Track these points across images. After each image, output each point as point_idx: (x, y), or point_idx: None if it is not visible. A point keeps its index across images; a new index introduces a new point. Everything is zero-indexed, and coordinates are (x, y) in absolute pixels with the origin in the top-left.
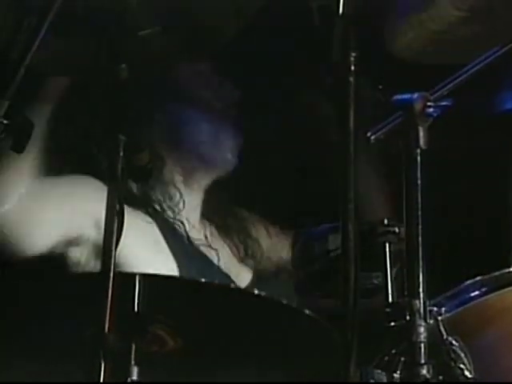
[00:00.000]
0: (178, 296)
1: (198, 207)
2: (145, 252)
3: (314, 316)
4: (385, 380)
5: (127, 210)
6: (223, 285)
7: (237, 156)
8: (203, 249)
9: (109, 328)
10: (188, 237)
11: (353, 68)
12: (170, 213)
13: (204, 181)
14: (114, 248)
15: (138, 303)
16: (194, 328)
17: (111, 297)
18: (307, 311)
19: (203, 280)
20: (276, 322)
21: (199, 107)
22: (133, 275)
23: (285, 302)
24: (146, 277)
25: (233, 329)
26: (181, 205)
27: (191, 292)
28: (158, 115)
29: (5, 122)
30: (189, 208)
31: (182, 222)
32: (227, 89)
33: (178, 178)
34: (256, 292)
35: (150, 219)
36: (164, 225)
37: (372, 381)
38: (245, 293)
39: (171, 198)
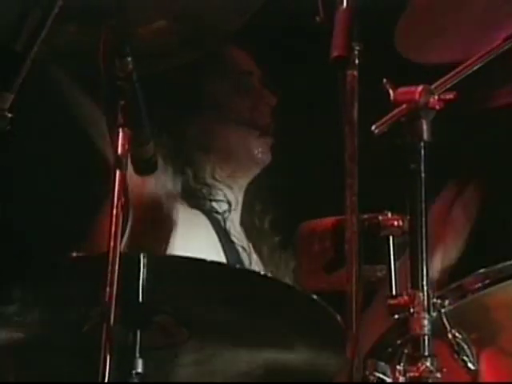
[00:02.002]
0: (183, 276)
1: (238, 207)
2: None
3: (321, 303)
4: (388, 372)
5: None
6: (229, 264)
7: (270, 155)
8: (239, 249)
9: (114, 320)
10: (230, 235)
11: (357, 62)
12: (216, 214)
13: (242, 181)
14: (119, 242)
15: (142, 292)
16: (197, 317)
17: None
18: (315, 297)
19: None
20: (283, 304)
21: (235, 115)
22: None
23: (292, 285)
24: (150, 257)
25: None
26: (225, 206)
27: (196, 271)
28: (196, 119)
29: (9, 115)
30: (231, 208)
31: (225, 221)
32: (266, 98)
33: (219, 179)
34: (262, 273)
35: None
36: (215, 224)
37: (376, 373)
38: (251, 272)
39: (216, 199)
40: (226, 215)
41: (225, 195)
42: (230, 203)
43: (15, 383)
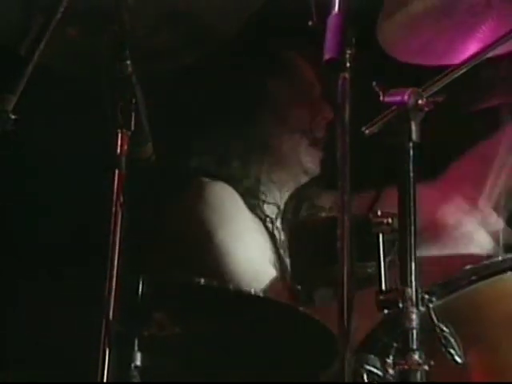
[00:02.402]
0: (180, 296)
1: (280, 214)
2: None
3: (306, 312)
4: (378, 365)
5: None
6: (221, 286)
7: (319, 167)
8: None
9: (113, 316)
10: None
11: (348, 65)
12: (268, 221)
13: (289, 187)
14: (118, 243)
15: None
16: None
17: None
18: (299, 308)
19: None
20: (271, 317)
21: (292, 122)
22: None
23: (276, 300)
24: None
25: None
26: (276, 209)
27: (191, 292)
28: (258, 119)
29: (13, 116)
30: (279, 212)
31: (276, 228)
32: (324, 112)
33: (274, 180)
34: (252, 292)
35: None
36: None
37: (366, 366)
38: (241, 292)
39: (268, 202)
40: (275, 221)
41: (274, 198)
42: (279, 207)
43: (15, 383)
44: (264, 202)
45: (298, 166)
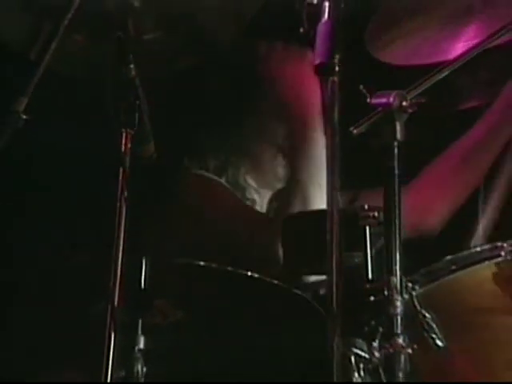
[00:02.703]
0: (179, 276)
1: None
2: None
3: (300, 294)
4: (365, 348)
5: None
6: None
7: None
8: None
9: (118, 303)
10: None
11: (337, 69)
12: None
13: (266, 192)
14: (123, 232)
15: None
16: (192, 303)
17: (120, 275)
18: (295, 290)
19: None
20: (265, 297)
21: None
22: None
23: (273, 280)
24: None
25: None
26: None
27: (189, 272)
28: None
29: (24, 116)
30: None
31: None
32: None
33: (250, 183)
34: (249, 273)
35: None
36: None
37: (354, 349)
38: (237, 273)
39: (248, 198)
40: None
41: (254, 200)
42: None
43: (15, 383)
44: (245, 199)
45: (272, 175)
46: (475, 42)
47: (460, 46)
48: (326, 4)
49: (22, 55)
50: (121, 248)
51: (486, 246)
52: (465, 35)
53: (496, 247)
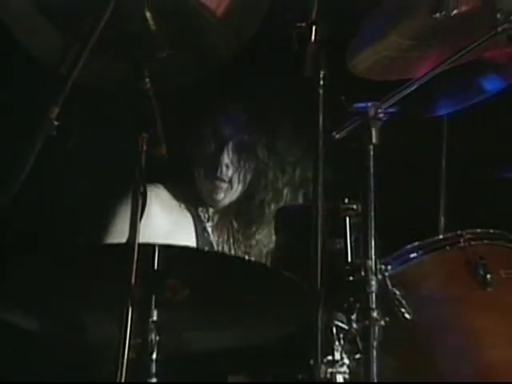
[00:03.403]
0: (188, 261)
1: (215, 216)
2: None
3: (289, 275)
4: (345, 320)
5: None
6: (222, 253)
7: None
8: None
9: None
10: (209, 235)
11: (322, 82)
12: (202, 216)
13: (221, 201)
14: (138, 222)
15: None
16: (199, 283)
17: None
18: (284, 272)
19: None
20: (259, 280)
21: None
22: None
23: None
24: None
25: (226, 285)
26: (210, 212)
27: (197, 257)
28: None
29: (56, 123)
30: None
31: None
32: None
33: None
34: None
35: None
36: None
37: (335, 321)
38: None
39: (203, 205)
40: (207, 224)
41: (206, 211)
42: (209, 217)
43: (15, 383)
44: (197, 208)
45: (209, 199)
46: (438, 61)
47: (427, 65)
48: (313, 27)
49: (54, 69)
50: (137, 236)
51: (448, 235)
52: (430, 55)
53: (457, 235)
